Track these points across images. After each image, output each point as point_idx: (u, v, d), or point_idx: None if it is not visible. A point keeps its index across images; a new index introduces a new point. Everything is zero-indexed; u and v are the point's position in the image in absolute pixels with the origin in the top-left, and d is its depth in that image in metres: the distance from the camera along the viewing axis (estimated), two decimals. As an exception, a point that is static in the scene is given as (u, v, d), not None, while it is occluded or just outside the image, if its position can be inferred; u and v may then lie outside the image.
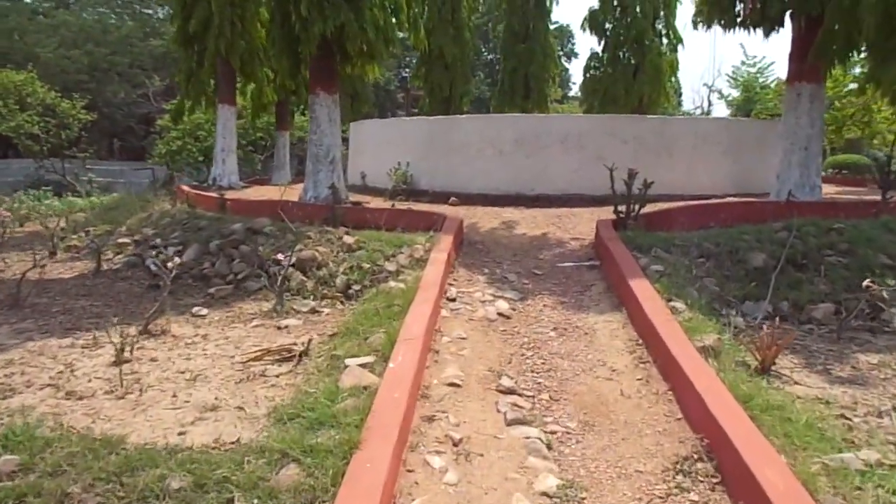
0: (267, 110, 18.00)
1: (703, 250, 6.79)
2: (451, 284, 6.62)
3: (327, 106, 9.91)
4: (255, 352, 5.12)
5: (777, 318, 6.14)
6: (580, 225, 9.46)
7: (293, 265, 7.41)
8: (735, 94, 34.83)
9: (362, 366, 4.38)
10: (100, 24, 38.43)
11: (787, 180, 8.68)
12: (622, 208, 7.74)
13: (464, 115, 13.74)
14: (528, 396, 4.32)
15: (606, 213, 8.94)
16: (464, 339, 5.22)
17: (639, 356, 4.83)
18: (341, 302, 6.87)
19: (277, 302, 6.47)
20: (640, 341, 5.06)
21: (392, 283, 6.09)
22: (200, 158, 24.11)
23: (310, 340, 5.12)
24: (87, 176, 24.75)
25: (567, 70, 52.04)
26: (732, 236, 6.99)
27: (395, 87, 48.87)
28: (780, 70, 39.03)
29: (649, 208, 8.41)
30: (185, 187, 13.63)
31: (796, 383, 4.57)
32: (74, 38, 35.87)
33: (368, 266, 7.13)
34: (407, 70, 44.75)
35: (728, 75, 32.98)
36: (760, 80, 37.89)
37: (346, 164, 14.49)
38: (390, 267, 7.04)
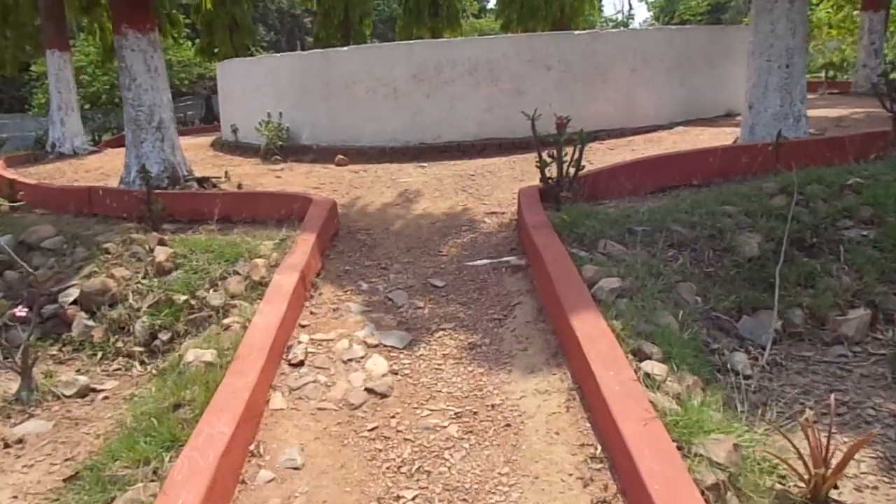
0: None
1: (674, 236, 4.65)
2: (303, 327, 4.32)
3: (142, 50, 7.14)
4: None
5: (786, 337, 4.19)
6: (499, 188, 7.19)
7: (75, 302, 5.00)
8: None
9: None
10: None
11: (763, 110, 6.55)
12: (552, 173, 5.49)
13: (346, 48, 11.03)
14: None
15: (530, 164, 6.70)
16: (297, 469, 2.99)
17: (599, 495, 2.69)
18: (142, 362, 4.54)
19: (21, 387, 4.05)
20: (598, 449, 2.92)
21: (190, 357, 3.72)
22: (86, 107, 21.38)
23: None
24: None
25: (484, -19, 48.62)
26: (711, 210, 4.87)
27: (303, 12, 44.17)
28: (704, -34, 37.25)
29: (587, 155, 6.22)
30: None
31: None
32: None
33: (184, 299, 4.75)
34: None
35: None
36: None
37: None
38: (215, 300, 4.68)
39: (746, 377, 3.64)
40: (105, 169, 10.44)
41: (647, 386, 3.05)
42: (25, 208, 7.50)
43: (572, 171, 5.43)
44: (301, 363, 3.85)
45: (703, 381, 3.32)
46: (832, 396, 2.83)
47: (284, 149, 10.08)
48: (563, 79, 9.29)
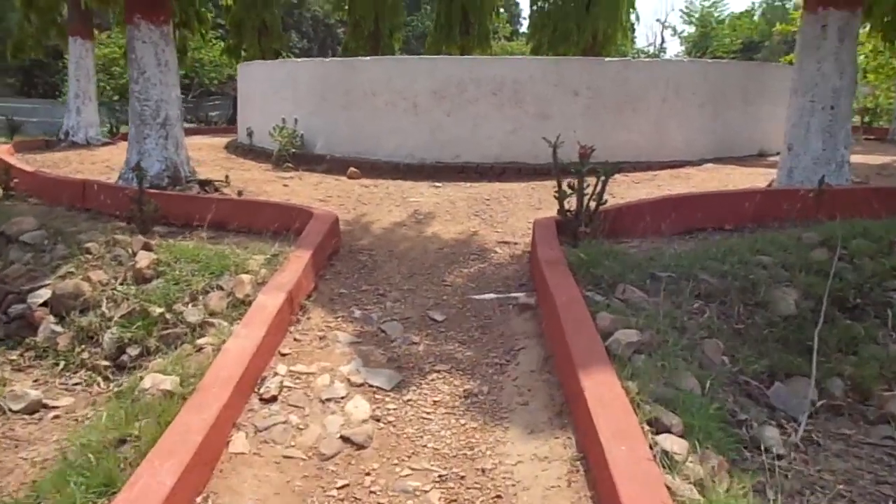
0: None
1: (701, 286, 4.20)
2: (283, 355, 3.90)
3: (153, 42, 6.84)
4: None
5: (823, 410, 3.71)
6: (514, 215, 6.77)
7: (46, 304, 4.64)
8: (690, 30, 32.65)
9: None
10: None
11: (803, 153, 6.10)
12: (570, 205, 5.07)
13: (368, 58, 10.75)
14: None
15: (549, 192, 6.27)
16: (248, 533, 2.56)
17: None
18: (105, 378, 4.14)
19: (-35, 400, 3.67)
20: (604, 539, 2.47)
21: (147, 383, 3.31)
22: (115, 97, 21.58)
23: None
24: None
25: (517, 4, 48.54)
26: (744, 258, 4.41)
27: (337, 21, 44.20)
28: (735, 4, 36.87)
29: (609, 187, 5.78)
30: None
31: None
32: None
33: (160, 312, 4.35)
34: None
35: (682, 10, 30.46)
36: (716, 14, 35.51)
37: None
38: (193, 316, 4.27)
39: (779, 456, 3.17)
40: (112, 162, 10.17)
41: (664, 466, 2.60)
42: (20, 196, 7.20)
43: (593, 204, 5.00)
44: (274, 399, 3.43)
45: (728, 460, 2.86)
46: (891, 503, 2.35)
47: (297, 156, 9.74)
48: (590, 105, 8.89)
